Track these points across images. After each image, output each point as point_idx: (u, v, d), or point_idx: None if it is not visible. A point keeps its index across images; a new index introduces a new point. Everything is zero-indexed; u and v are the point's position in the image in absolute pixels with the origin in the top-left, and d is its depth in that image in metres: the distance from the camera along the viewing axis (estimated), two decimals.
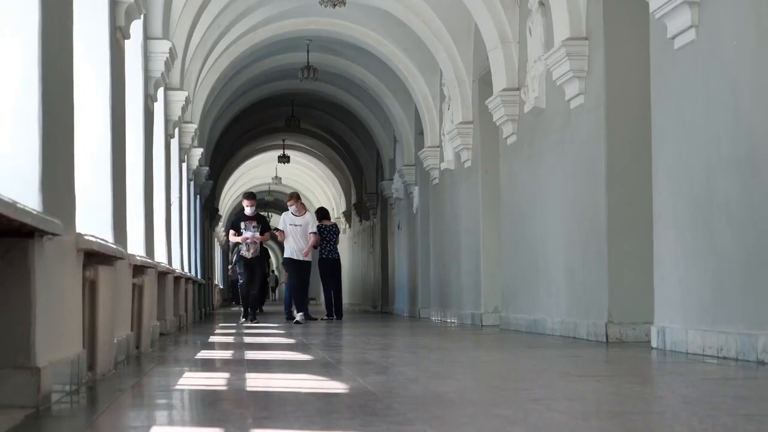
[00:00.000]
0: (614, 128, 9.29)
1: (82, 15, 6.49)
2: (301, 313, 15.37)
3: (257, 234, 15.40)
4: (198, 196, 21.23)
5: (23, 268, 4.07)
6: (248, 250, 15.39)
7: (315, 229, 16.00)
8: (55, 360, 4.39)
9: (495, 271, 13.75)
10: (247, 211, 15.65)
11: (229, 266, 49.66)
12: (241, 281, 15.72)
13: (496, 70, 12.69)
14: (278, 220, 16.37)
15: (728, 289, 6.75)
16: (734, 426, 3.46)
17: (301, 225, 15.70)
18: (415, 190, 20.43)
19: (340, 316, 17.46)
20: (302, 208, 15.97)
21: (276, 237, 16.70)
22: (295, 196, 16.00)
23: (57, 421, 3.91)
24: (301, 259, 15.70)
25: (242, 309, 15.69)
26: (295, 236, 15.66)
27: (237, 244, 15.61)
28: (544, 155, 11.13)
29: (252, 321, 15.40)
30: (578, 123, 10.00)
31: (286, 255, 15.85)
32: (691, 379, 5.43)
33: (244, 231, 15.42)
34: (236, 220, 15.83)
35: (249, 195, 15.81)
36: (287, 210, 16.13)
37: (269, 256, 17.79)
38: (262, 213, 16.71)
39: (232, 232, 15.65)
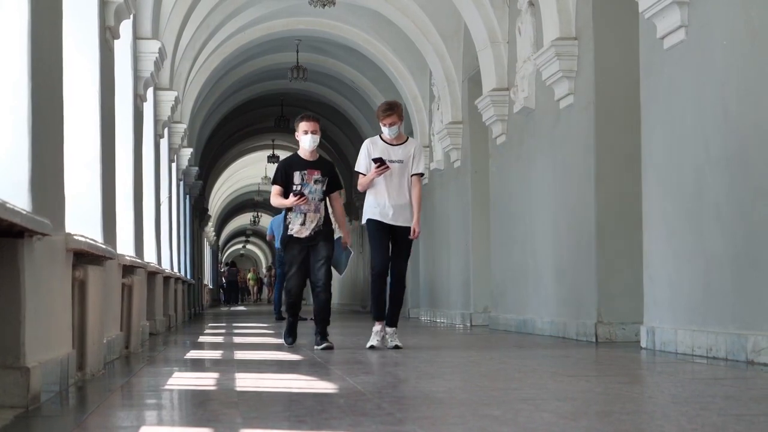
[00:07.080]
0: (603, 128, 9.31)
1: (71, 15, 6.49)
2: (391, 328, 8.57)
3: (312, 193, 8.46)
4: (187, 196, 21.22)
5: (12, 268, 4.07)
6: (303, 223, 8.41)
7: (422, 169, 8.63)
8: (44, 360, 4.38)
9: (484, 271, 13.76)
10: (305, 145, 8.56)
11: (221, 267, 49.13)
12: (289, 274, 8.55)
13: (486, 70, 12.69)
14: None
15: (718, 289, 6.76)
16: (723, 426, 3.47)
17: (402, 161, 8.53)
18: None
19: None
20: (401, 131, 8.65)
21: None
22: (399, 109, 8.57)
23: (46, 421, 3.91)
24: (402, 225, 8.45)
25: (286, 322, 9.09)
26: (390, 180, 8.48)
27: (286, 211, 8.54)
28: (534, 155, 11.14)
29: (321, 345, 8.46)
30: (568, 123, 10.01)
31: (368, 215, 8.49)
32: (680, 379, 5.44)
33: (299, 187, 8.43)
34: (285, 166, 8.60)
35: (306, 116, 8.67)
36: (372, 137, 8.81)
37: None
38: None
39: (277, 189, 8.54)
